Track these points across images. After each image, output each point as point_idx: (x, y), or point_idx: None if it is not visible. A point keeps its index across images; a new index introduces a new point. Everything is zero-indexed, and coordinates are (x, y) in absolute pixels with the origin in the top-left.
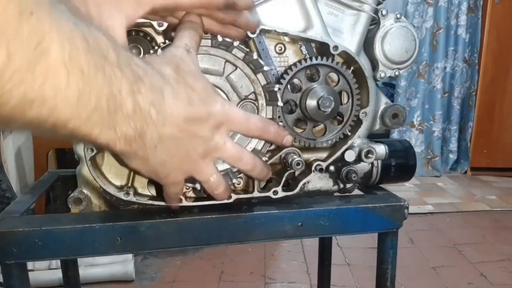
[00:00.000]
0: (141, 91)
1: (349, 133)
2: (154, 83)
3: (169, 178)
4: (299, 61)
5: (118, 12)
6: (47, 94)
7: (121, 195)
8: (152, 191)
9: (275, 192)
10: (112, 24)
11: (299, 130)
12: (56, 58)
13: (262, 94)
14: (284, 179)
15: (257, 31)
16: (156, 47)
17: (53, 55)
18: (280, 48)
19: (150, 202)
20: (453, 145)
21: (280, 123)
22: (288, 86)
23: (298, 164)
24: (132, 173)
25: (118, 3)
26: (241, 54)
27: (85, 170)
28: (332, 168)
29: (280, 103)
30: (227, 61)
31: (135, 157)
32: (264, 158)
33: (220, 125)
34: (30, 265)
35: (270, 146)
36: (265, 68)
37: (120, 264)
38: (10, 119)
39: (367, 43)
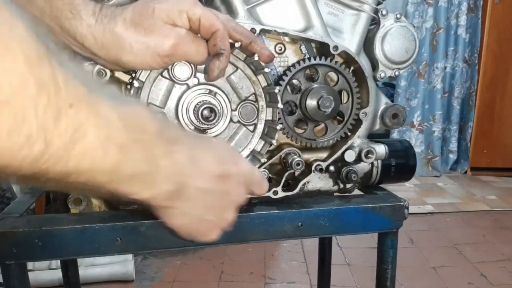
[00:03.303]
0: (177, 151)
1: (349, 133)
2: (189, 142)
3: (207, 238)
4: (298, 62)
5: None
6: (84, 168)
7: None
8: None
9: (275, 192)
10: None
11: (300, 131)
12: (93, 139)
13: (263, 95)
14: (284, 179)
15: (257, 31)
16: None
17: (90, 138)
18: (280, 48)
19: None
20: (453, 145)
21: (280, 125)
22: (288, 87)
23: (298, 164)
24: None
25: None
26: (242, 55)
27: None
28: (332, 168)
29: (280, 105)
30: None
31: (174, 213)
32: (262, 160)
33: (243, 183)
34: (30, 265)
35: (269, 147)
36: (266, 69)
37: (120, 264)
38: (46, 184)
39: (367, 43)
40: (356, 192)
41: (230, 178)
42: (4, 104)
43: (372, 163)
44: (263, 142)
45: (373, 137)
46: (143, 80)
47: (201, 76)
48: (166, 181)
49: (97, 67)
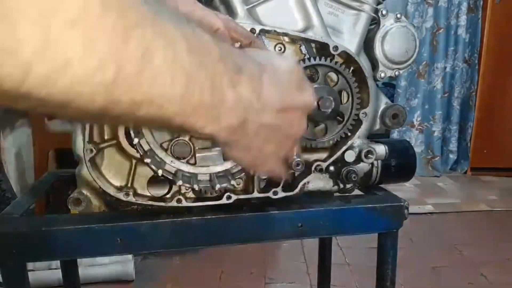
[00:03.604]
0: (241, 82)
1: (349, 134)
2: (253, 72)
3: (265, 166)
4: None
5: None
6: (154, 95)
7: (120, 195)
8: (152, 192)
9: (275, 193)
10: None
11: None
12: (160, 62)
13: None
14: (284, 179)
15: (257, 31)
16: None
17: (157, 61)
18: (279, 48)
19: (150, 202)
20: (453, 145)
21: None
22: None
23: (298, 164)
24: (132, 174)
25: None
26: None
27: (85, 170)
28: (332, 168)
29: None
30: None
31: (237, 146)
32: None
33: (306, 113)
34: (30, 265)
35: None
36: None
37: (120, 264)
38: (119, 119)
39: (367, 43)
40: (356, 192)
41: (293, 110)
42: (72, 24)
43: (372, 163)
44: None
45: (373, 137)
46: None
47: None
48: (230, 115)
49: None
